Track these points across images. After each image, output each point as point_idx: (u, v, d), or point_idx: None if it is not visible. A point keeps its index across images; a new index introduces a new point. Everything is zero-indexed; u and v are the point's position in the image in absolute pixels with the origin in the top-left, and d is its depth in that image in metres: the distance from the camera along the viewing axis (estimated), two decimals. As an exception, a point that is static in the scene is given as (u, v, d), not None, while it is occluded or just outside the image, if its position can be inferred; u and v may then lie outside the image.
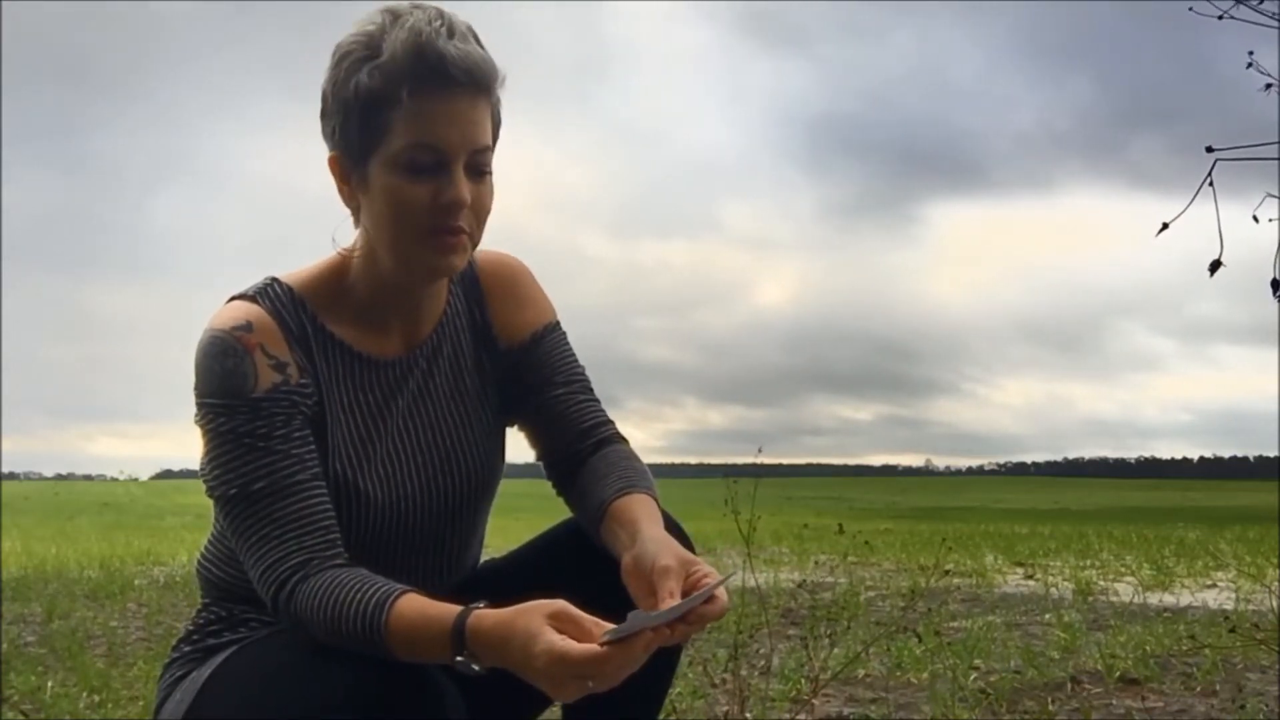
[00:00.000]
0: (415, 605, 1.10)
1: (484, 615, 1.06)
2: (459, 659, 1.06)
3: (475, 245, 1.26)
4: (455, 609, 1.08)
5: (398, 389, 1.32)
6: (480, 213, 1.24)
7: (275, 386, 1.21)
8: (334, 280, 1.30)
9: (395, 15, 1.20)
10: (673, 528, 1.26)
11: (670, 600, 1.08)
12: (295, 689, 1.12)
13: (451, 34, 1.19)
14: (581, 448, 1.37)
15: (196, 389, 1.22)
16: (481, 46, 1.22)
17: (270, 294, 1.27)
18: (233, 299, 1.27)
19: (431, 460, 1.33)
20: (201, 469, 1.23)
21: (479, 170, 1.23)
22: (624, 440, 1.40)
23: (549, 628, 1.02)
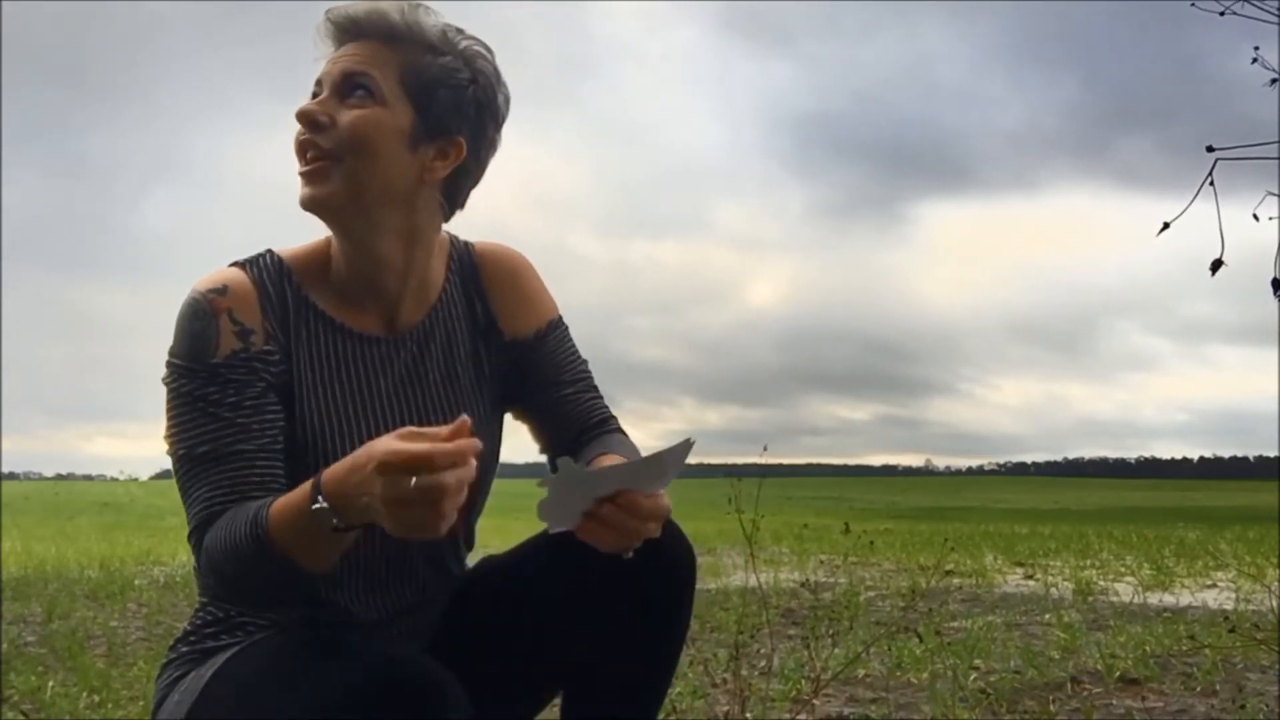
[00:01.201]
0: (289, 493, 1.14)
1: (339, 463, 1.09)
2: (315, 506, 1.07)
3: (354, 182, 1.25)
4: None
5: (382, 368, 1.33)
6: (347, 137, 1.24)
7: (234, 353, 1.23)
8: (323, 255, 1.33)
9: None
10: (672, 532, 1.29)
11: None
12: (297, 689, 1.12)
13: (354, 6, 1.28)
14: (583, 440, 1.41)
15: (169, 347, 1.25)
16: (402, 12, 1.27)
17: (260, 262, 1.31)
18: (230, 265, 1.30)
19: None
20: (165, 428, 1.26)
21: (348, 93, 1.25)
22: (623, 432, 1.44)
23: (391, 438, 1.02)
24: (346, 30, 1.28)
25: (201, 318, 1.24)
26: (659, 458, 1.15)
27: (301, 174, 1.26)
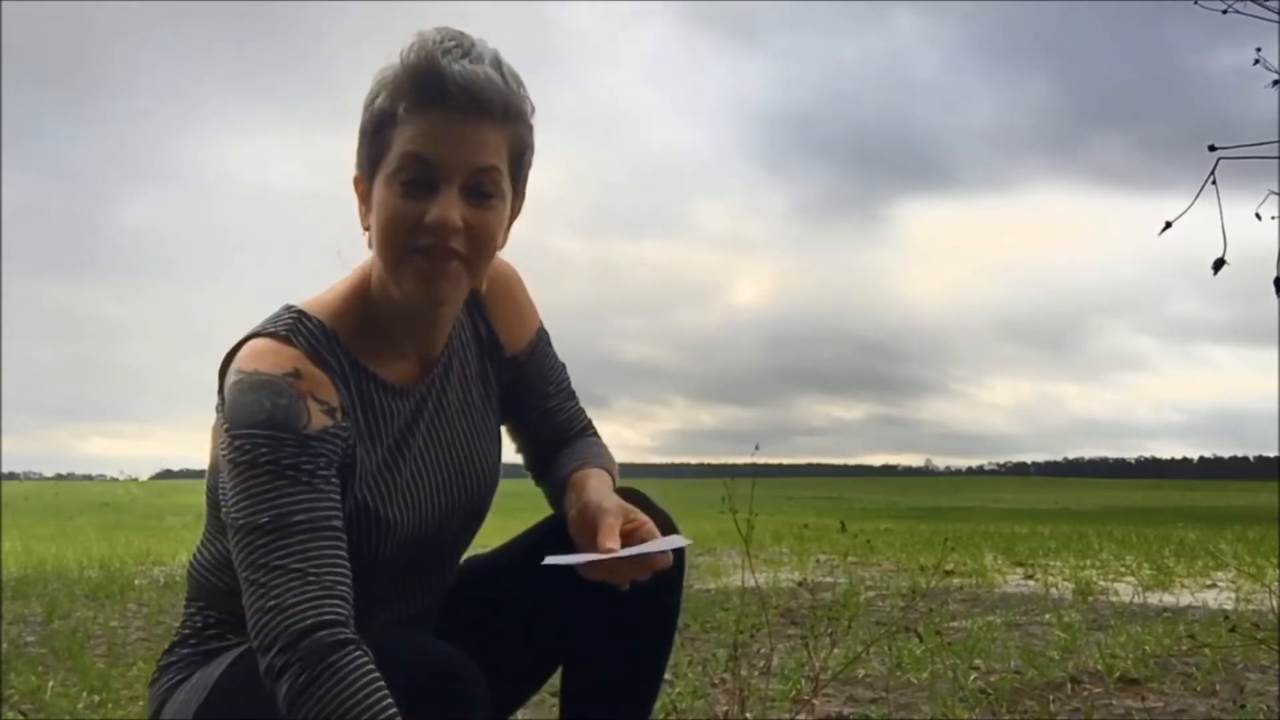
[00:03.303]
0: None
1: None
2: None
3: (475, 276, 1.23)
4: None
5: (418, 415, 1.32)
6: (479, 240, 1.20)
7: (325, 429, 1.18)
8: (358, 307, 1.28)
9: (419, 37, 1.19)
10: (660, 515, 1.31)
11: (610, 537, 1.19)
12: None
13: (464, 54, 1.17)
14: (560, 443, 1.45)
15: (235, 422, 1.16)
16: (504, 74, 1.19)
17: (303, 331, 1.23)
18: (262, 335, 1.22)
19: (448, 476, 1.34)
20: (228, 496, 1.16)
21: (480, 194, 1.19)
22: (596, 434, 1.49)
23: None
24: (469, 106, 1.17)
25: (285, 395, 1.17)
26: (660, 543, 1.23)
27: (429, 273, 1.19)
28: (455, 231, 1.18)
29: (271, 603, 1.09)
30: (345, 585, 1.13)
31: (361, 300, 1.28)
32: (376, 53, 1.27)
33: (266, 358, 1.19)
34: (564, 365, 1.48)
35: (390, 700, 1.06)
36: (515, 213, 1.29)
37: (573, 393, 1.48)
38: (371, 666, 1.08)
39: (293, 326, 1.23)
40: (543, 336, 1.45)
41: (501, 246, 1.27)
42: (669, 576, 1.32)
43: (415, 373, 1.32)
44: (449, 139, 1.17)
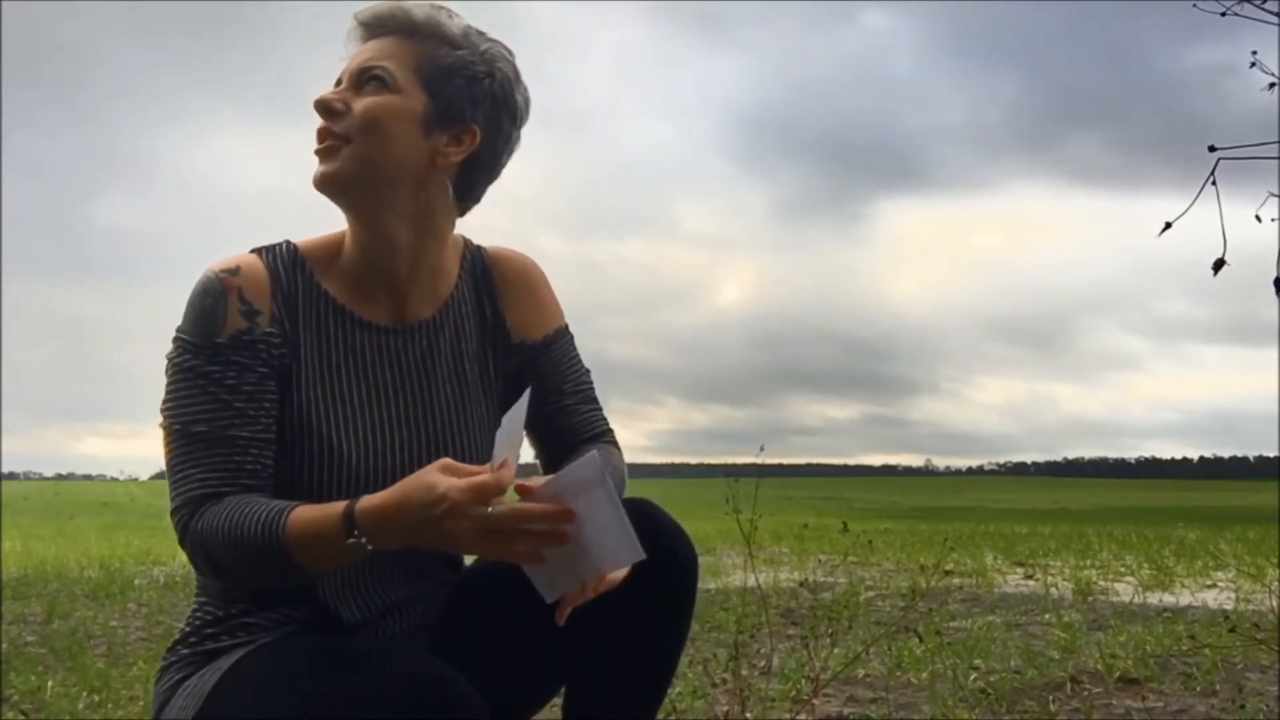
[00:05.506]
0: (311, 506, 1.17)
1: (373, 494, 1.13)
2: (350, 540, 1.12)
3: (363, 161, 1.28)
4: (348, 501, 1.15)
5: (391, 358, 1.35)
6: (360, 120, 1.28)
7: (239, 333, 1.26)
8: (337, 244, 1.36)
9: None
10: (677, 534, 1.31)
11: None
12: (316, 689, 1.11)
13: (390, 5, 1.32)
14: (572, 446, 1.42)
15: (179, 324, 1.28)
16: (416, 8, 1.32)
17: (275, 250, 1.34)
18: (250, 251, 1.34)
19: (418, 438, 1.34)
20: (162, 399, 1.28)
21: (363, 82, 1.29)
22: (614, 442, 1.46)
23: (440, 474, 1.09)
24: (370, 28, 1.34)
25: (211, 295, 1.27)
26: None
27: (315, 154, 1.30)
28: (328, 108, 1.28)
29: (179, 499, 1.23)
30: (244, 476, 1.23)
31: (340, 242, 1.36)
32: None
33: (223, 259, 1.30)
34: (588, 371, 1.47)
35: (285, 503, 1.17)
36: (481, 160, 1.34)
37: (593, 398, 1.47)
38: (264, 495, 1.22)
39: (270, 246, 1.34)
40: (563, 335, 1.46)
41: (442, 162, 1.30)
42: (678, 593, 1.32)
43: (386, 317, 1.36)
44: (353, 57, 1.33)
